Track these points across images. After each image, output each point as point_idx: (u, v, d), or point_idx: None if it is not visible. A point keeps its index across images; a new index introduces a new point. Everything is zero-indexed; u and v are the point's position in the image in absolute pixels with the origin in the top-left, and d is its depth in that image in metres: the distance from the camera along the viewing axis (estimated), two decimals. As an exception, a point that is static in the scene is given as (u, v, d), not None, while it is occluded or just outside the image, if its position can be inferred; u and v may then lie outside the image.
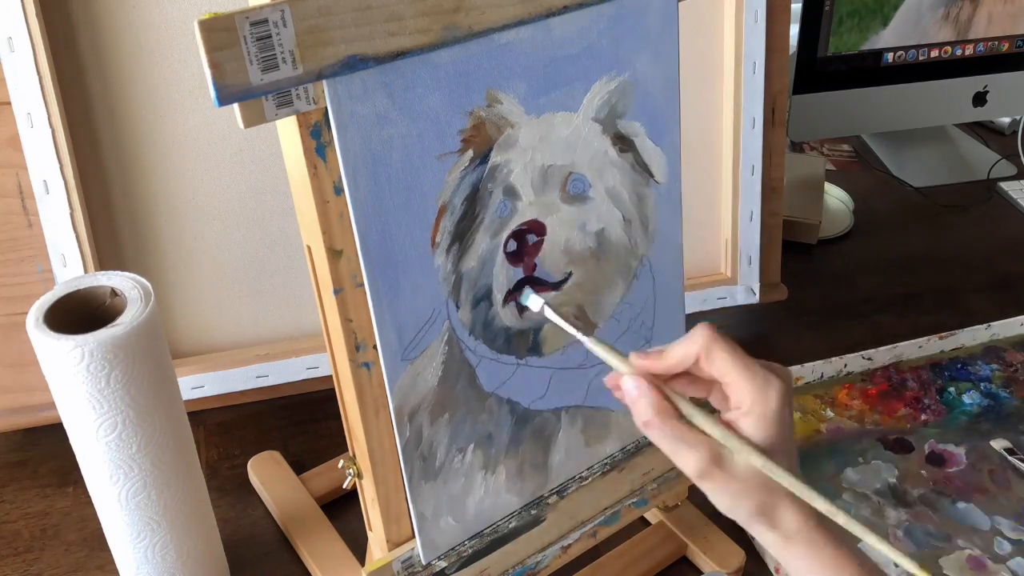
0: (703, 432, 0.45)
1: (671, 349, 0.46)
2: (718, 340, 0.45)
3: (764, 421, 0.44)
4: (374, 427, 0.54)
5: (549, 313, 0.55)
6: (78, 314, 0.59)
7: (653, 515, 0.76)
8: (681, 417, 0.46)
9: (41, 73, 0.72)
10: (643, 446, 0.68)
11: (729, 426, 0.45)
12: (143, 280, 0.60)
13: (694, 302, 0.93)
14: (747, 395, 0.44)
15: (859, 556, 0.47)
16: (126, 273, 0.61)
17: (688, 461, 0.44)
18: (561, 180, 0.56)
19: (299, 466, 0.81)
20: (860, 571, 0.46)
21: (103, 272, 0.61)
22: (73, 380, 0.56)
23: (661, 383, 0.47)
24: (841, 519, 0.44)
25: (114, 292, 0.60)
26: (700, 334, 0.46)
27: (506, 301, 0.56)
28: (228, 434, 0.86)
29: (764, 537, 0.46)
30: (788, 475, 0.44)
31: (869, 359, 0.93)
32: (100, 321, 0.57)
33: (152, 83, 0.77)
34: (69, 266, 0.77)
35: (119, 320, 0.57)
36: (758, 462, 0.44)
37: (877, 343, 0.94)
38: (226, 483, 0.81)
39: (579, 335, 0.52)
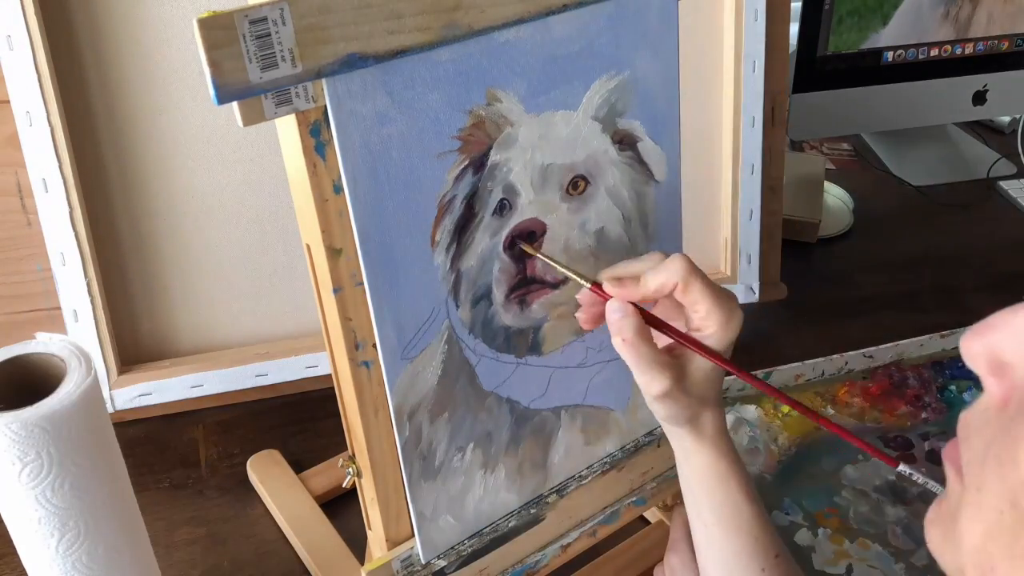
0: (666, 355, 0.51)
1: (648, 279, 0.51)
2: (695, 272, 0.50)
3: (725, 344, 0.51)
4: (373, 426, 0.54)
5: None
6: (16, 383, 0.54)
7: (652, 514, 0.76)
8: (652, 340, 0.51)
9: (40, 71, 0.72)
10: (642, 445, 0.68)
11: (694, 342, 0.51)
12: (81, 346, 0.56)
13: (694, 301, 0.93)
14: (715, 321, 0.50)
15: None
16: (64, 338, 0.56)
17: (656, 383, 0.50)
18: (561, 179, 0.56)
19: (298, 465, 0.81)
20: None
21: (41, 338, 0.56)
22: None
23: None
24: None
25: (53, 356, 0.55)
26: (679, 266, 0.50)
27: (509, 299, 0.56)
28: (227, 433, 0.86)
29: (684, 441, 0.54)
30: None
31: (870, 357, 0.93)
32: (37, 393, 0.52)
33: (151, 81, 0.77)
34: (68, 264, 0.77)
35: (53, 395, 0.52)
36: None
37: (877, 341, 0.94)
38: (225, 482, 0.81)
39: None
